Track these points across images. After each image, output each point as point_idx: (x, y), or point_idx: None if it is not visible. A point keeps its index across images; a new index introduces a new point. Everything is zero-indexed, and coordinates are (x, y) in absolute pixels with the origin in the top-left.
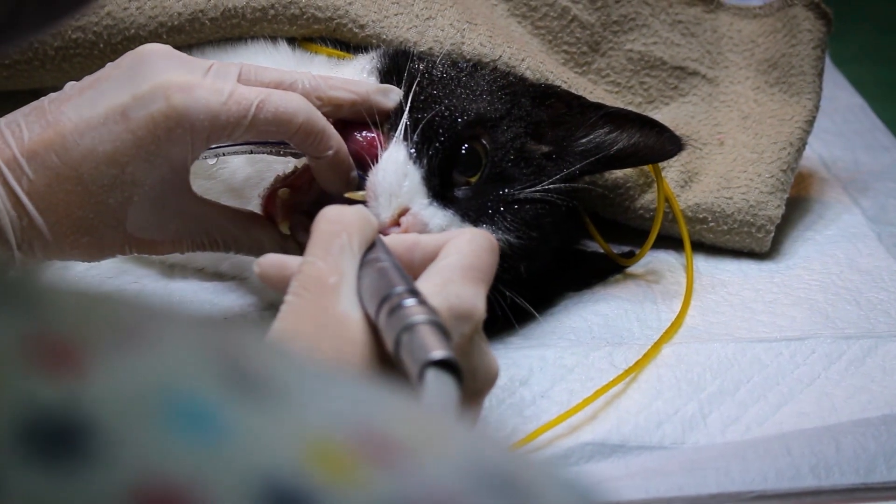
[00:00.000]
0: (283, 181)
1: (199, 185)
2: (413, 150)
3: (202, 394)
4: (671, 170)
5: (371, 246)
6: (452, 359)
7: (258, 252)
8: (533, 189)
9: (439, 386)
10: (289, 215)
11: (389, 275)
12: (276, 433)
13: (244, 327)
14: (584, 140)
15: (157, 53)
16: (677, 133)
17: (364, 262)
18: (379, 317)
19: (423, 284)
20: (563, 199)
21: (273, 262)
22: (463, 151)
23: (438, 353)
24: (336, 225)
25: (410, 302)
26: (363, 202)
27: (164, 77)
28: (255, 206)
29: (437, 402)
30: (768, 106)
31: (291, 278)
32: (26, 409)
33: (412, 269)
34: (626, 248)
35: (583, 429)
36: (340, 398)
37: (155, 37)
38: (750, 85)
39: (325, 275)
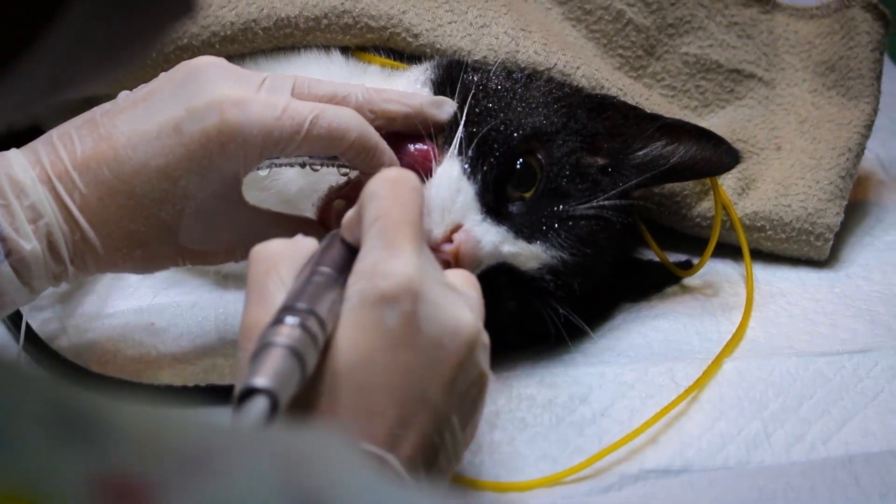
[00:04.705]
0: (337, 192)
1: (253, 196)
2: (467, 166)
3: None
4: (728, 177)
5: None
6: (272, 390)
7: None
8: (588, 205)
9: (252, 412)
10: None
11: (299, 288)
12: None
13: (313, 446)
14: (640, 153)
15: (211, 66)
16: (734, 143)
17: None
18: None
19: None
20: (617, 215)
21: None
22: (518, 166)
23: (261, 380)
24: (263, 264)
25: (291, 321)
26: None
27: (217, 91)
28: (309, 216)
29: (244, 427)
30: (826, 109)
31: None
32: None
33: None
34: (683, 257)
35: (646, 453)
36: None
37: (208, 46)
38: (807, 87)
39: (263, 319)
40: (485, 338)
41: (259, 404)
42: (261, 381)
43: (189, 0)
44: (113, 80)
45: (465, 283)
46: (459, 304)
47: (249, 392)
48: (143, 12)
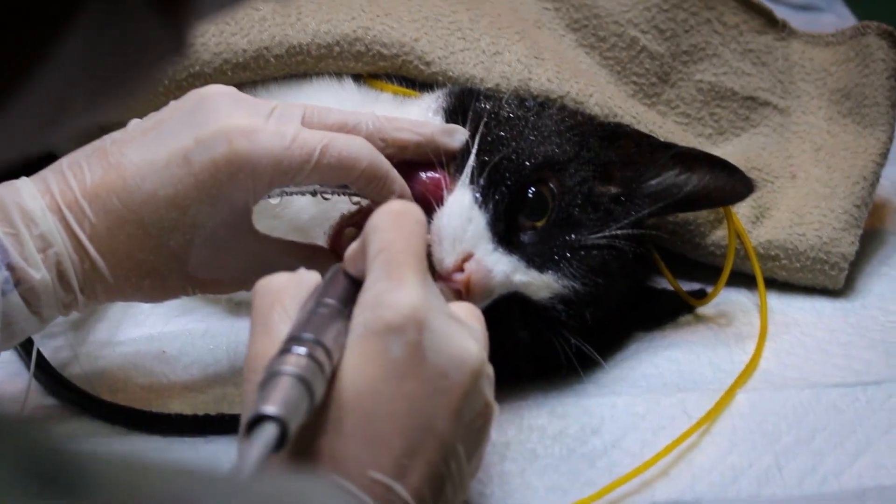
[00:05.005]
0: (349, 220)
1: (265, 224)
2: (479, 194)
3: None
4: (743, 205)
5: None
6: (281, 418)
7: None
8: (600, 234)
9: (261, 440)
10: None
11: (304, 319)
12: None
13: (296, 494)
14: (653, 182)
15: (220, 95)
16: (748, 171)
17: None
18: None
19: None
20: (630, 244)
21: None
22: (529, 195)
23: (270, 408)
24: (268, 297)
25: (298, 350)
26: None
27: (226, 121)
28: (320, 244)
29: (253, 454)
30: (841, 137)
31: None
32: None
33: None
34: (697, 286)
35: (657, 486)
36: None
37: (220, 73)
38: (822, 115)
39: (269, 351)
40: (489, 369)
41: (268, 432)
42: (270, 408)
43: (179, 39)
44: (103, 117)
45: (469, 316)
46: (464, 334)
47: (259, 420)
48: (134, 50)
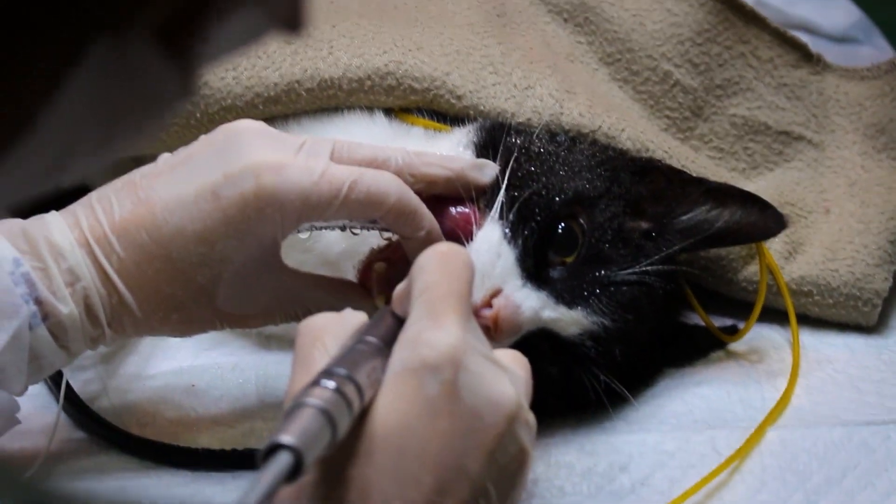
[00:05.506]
0: (378, 255)
1: (295, 259)
2: (508, 230)
3: None
4: (776, 240)
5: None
6: (297, 448)
7: None
8: (630, 270)
9: (274, 469)
10: (385, 289)
11: (340, 355)
12: None
13: None
14: (684, 217)
15: (249, 130)
16: (781, 206)
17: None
18: None
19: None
20: (661, 280)
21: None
22: (559, 230)
23: (287, 437)
24: (309, 336)
25: (327, 384)
26: None
27: (255, 156)
28: (351, 278)
29: (264, 483)
30: (875, 173)
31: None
32: None
33: None
34: (729, 321)
35: None
36: None
37: (251, 107)
38: (857, 150)
39: None
40: (529, 416)
41: (282, 460)
42: (286, 438)
43: (187, 82)
44: (114, 158)
45: (514, 363)
46: (501, 377)
47: (275, 448)
48: (141, 93)
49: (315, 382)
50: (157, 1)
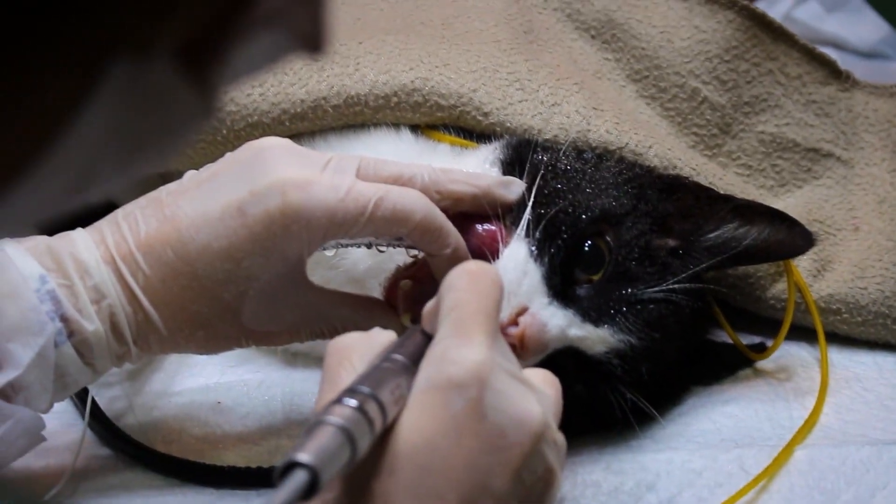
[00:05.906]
0: (405, 272)
1: (321, 276)
2: (534, 247)
3: None
4: (804, 258)
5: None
6: (313, 466)
7: None
8: (657, 288)
9: (290, 487)
10: (411, 307)
11: (365, 373)
12: None
13: None
14: (712, 235)
15: (275, 147)
16: (810, 224)
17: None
18: None
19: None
20: (688, 298)
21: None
22: (586, 248)
23: (304, 455)
24: (335, 356)
25: (349, 402)
26: None
27: (281, 173)
28: (377, 295)
29: (279, 500)
30: None
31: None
32: None
33: None
34: (757, 339)
35: None
36: None
37: (278, 124)
38: (886, 167)
39: None
40: (558, 436)
41: (298, 479)
42: (304, 456)
43: (207, 103)
44: (135, 178)
45: (544, 382)
46: (528, 396)
47: (292, 466)
48: (161, 114)
49: (337, 400)
50: (177, 23)
